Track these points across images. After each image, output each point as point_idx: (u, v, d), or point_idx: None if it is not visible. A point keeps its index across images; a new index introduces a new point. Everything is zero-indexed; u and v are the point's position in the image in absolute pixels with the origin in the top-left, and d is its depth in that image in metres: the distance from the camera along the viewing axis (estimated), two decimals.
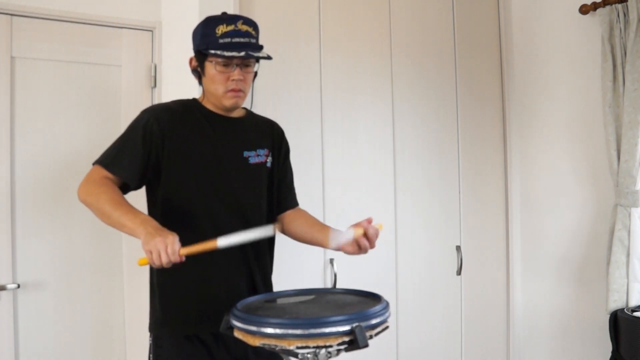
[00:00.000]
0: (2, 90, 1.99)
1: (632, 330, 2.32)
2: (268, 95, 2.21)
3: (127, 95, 2.21)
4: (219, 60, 1.49)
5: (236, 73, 1.50)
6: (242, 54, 1.47)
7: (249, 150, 1.60)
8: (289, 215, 1.71)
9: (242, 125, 1.63)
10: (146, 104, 2.23)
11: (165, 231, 1.29)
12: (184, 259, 1.29)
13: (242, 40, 1.48)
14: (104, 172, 1.46)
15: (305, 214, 1.73)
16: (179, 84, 2.17)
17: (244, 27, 1.50)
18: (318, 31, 2.39)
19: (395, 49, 2.61)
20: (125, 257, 2.19)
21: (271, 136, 1.70)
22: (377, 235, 1.45)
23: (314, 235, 1.62)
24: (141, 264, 1.32)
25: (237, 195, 1.55)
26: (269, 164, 1.65)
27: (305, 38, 2.36)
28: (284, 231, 1.71)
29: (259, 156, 1.61)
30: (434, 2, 2.77)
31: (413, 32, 2.68)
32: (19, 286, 1.99)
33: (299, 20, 2.35)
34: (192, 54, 1.58)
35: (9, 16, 2.00)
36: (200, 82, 1.60)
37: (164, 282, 1.53)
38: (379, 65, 2.56)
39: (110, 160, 1.48)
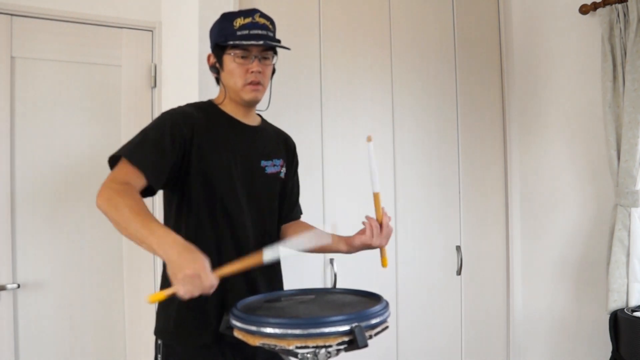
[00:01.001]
0: (2, 90, 1.99)
1: (632, 330, 2.32)
2: (267, 97, 2.20)
3: (127, 95, 2.21)
4: (238, 52, 1.49)
5: (255, 65, 1.50)
6: (261, 42, 1.47)
7: (266, 159, 1.60)
8: (291, 226, 1.72)
9: (260, 134, 1.63)
10: (146, 104, 2.24)
11: (191, 259, 1.15)
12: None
13: (260, 32, 1.48)
14: (128, 168, 1.34)
15: (306, 224, 1.73)
16: (179, 84, 2.17)
17: (262, 20, 1.50)
18: (318, 32, 2.39)
19: (395, 49, 2.61)
20: (125, 257, 2.19)
21: (285, 148, 1.71)
22: (387, 230, 1.54)
23: (317, 241, 1.61)
24: (152, 302, 1.16)
25: (256, 203, 1.56)
26: (282, 175, 1.66)
27: (305, 39, 2.36)
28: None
29: (274, 166, 1.62)
30: (434, 2, 2.77)
31: (413, 32, 2.68)
32: (19, 286, 1.99)
33: (299, 20, 2.34)
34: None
35: (9, 16, 2.00)
36: (218, 82, 1.59)
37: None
38: (379, 66, 2.56)
39: (139, 157, 1.35)
